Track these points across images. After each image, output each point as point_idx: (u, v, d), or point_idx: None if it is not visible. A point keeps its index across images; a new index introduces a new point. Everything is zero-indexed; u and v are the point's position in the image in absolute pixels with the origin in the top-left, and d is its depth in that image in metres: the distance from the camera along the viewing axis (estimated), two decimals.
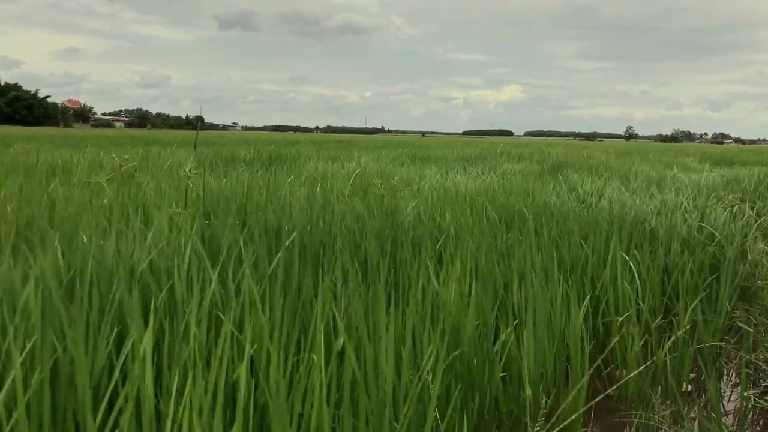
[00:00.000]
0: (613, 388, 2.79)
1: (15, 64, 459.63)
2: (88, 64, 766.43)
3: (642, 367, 2.84)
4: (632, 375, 2.79)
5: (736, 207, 5.37)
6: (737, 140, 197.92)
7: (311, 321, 2.00)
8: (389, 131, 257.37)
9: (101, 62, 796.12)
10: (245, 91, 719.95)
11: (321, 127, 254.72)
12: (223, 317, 1.95)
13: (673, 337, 3.06)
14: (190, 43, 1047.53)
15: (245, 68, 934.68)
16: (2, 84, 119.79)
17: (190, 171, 4.66)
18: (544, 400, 2.37)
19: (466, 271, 2.84)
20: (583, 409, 2.35)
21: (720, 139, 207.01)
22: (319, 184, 6.08)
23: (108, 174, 5.76)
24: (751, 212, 5.51)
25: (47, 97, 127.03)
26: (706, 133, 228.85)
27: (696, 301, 3.30)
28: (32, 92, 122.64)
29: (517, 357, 2.41)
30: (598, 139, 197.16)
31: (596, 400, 2.55)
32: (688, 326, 3.10)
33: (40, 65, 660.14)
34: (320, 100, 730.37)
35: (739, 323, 3.40)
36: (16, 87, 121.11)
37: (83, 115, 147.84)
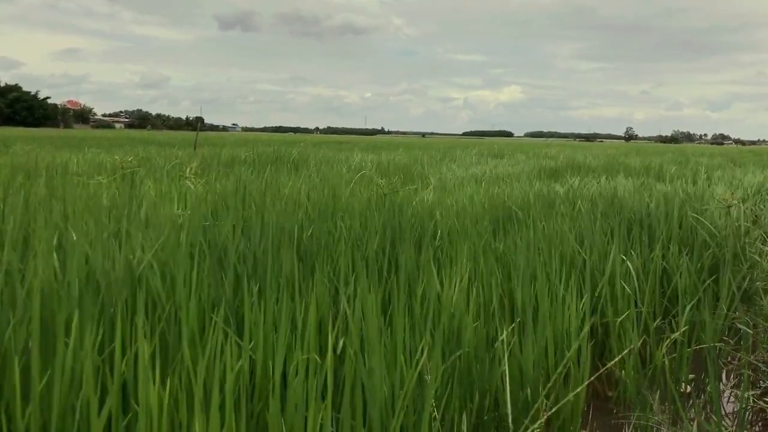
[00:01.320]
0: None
1: (15, 65, 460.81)
2: (87, 64, 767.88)
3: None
4: (631, 376, 2.79)
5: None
6: (737, 141, 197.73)
7: None
8: (389, 132, 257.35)
9: (101, 63, 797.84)
10: (245, 92, 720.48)
11: (321, 127, 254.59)
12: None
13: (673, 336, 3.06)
14: (189, 43, 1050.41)
15: (245, 68, 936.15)
16: (2, 85, 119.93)
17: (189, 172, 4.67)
18: (543, 401, 2.37)
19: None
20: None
21: (720, 140, 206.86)
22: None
23: (110, 175, 5.75)
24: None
25: (47, 98, 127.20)
26: (705, 134, 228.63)
27: (694, 301, 3.30)
28: (32, 93, 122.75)
29: (518, 357, 2.41)
30: (598, 140, 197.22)
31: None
32: (686, 327, 3.10)
33: (40, 66, 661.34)
34: (320, 101, 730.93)
35: (738, 324, 3.40)
36: (16, 88, 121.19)
37: (83, 116, 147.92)
